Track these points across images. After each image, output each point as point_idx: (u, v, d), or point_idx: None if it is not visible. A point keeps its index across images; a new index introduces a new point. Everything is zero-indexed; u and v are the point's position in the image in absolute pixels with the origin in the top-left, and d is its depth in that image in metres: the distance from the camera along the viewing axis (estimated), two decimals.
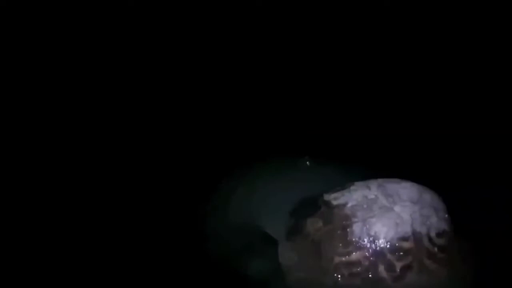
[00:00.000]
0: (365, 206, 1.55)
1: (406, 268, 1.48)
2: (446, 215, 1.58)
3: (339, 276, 1.50)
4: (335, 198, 1.61)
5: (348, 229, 1.52)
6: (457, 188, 1.90)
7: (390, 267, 1.47)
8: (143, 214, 1.86)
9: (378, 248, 1.47)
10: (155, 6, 2.59)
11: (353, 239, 1.50)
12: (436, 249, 1.51)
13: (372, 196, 1.57)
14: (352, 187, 1.64)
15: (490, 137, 2.26)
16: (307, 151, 2.15)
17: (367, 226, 1.50)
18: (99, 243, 1.77)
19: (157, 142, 2.21)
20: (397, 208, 1.55)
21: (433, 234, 1.52)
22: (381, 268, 1.47)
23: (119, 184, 1.99)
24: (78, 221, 1.84)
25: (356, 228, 1.51)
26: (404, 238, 1.49)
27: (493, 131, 2.31)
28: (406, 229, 1.49)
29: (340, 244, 1.51)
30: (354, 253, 1.49)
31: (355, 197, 1.58)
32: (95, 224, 1.83)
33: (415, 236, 1.50)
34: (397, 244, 1.48)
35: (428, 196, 1.61)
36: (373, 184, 1.63)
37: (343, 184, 1.67)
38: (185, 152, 2.19)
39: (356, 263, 1.48)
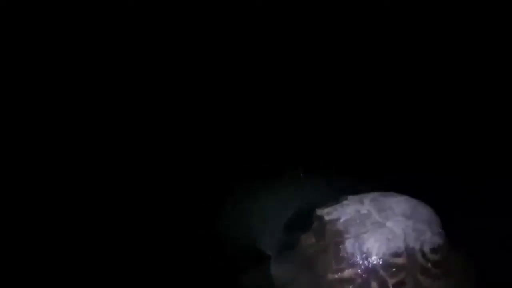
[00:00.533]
0: (357, 221, 1.53)
1: (399, 285, 1.46)
2: (441, 230, 1.57)
3: None
4: (328, 213, 1.59)
5: (340, 245, 1.51)
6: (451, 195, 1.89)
7: (383, 284, 1.45)
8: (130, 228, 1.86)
9: (370, 265, 1.46)
10: (155, 6, 2.58)
11: (346, 256, 1.48)
12: (430, 264, 1.50)
13: (365, 211, 1.56)
14: (345, 202, 1.62)
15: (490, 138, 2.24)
16: (302, 153, 2.13)
17: (360, 242, 1.49)
18: (99, 245, 1.77)
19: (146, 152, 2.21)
20: (389, 223, 1.53)
21: (427, 249, 1.51)
22: (374, 285, 1.46)
23: (109, 191, 1.99)
24: (83, 224, 1.85)
25: (349, 244, 1.50)
26: (396, 254, 1.47)
27: (488, 131, 2.29)
28: (399, 245, 1.48)
29: (333, 261, 1.50)
30: (346, 270, 1.48)
31: (347, 212, 1.57)
32: (96, 226, 1.84)
33: (408, 252, 1.49)
34: (390, 260, 1.47)
35: (422, 211, 1.59)
36: (366, 198, 1.62)
37: (338, 196, 1.66)
38: (180, 161, 2.19)
39: (349, 280, 1.47)
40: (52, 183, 2.11)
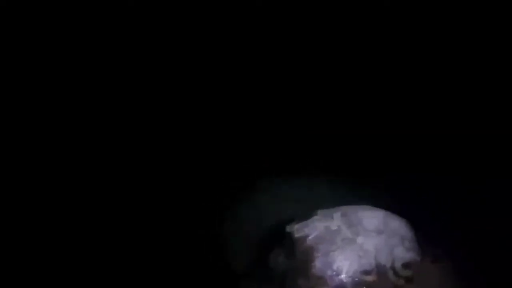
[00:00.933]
0: (327, 238, 1.50)
1: None
2: (413, 244, 1.54)
3: None
4: (298, 230, 1.56)
5: (311, 263, 1.47)
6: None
7: None
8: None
9: (340, 283, 1.42)
10: (155, 6, 2.56)
11: (316, 274, 1.44)
12: (401, 281, 1.46)
13: (335, 227, 1.52)
14: (315, 217, 1.59)
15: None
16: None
17: (330, 260, 1.45)
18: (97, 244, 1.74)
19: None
20: (360, 240, 1.50)
21: (398, 265, 1.48)
22: None
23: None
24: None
25: (318, 262, 1.46)
26: (367, 272, 1.44)
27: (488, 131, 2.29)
28: (370, 262, 1.45)
29: (303, 279, 1.46)
30: (316, 286, 1.44)
31: (317, 228, 1.53)
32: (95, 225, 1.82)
33: (379, 269, 1.45)
34: (360, 278, 1.43)
35: (395, 225, 1.57)
36: (337, 213, 1.59)
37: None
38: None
39: None
40: (54, 184, 2.09)
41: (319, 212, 1.61)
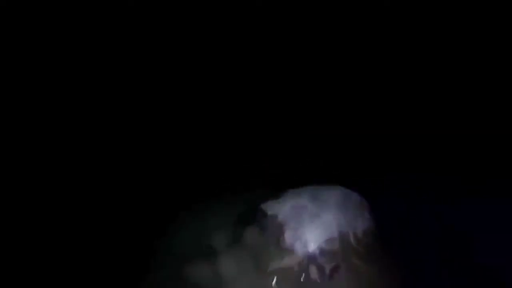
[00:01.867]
0: (296, 214, 1.68)
1: (335, 268, 1.62)
2: (370, 216, 1.73)
3: (274, 280, 1.64)
4: (270, 208, 1.73)
5: (281, 237, 1.65)
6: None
7: (320, 269, 1.61)
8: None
9: (308, 253, 1.60)
10: (155, 6, 2.56)
11: (286, 246, 1.63)
12: (362, 248, 1.66)
13: (302, 204, 1.70)
14: (285, 196, 1.77)
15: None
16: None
17: (298, 233, 1.64)
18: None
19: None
20: (324, 214, 1.69)
21: (359, 234, 1.67)
22: (313, 271, 1.62)
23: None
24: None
25: (288, 236, 1.64)
26: (331, 241, 1.63)
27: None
28: (333, 233, 1.63)
29: (275, 252, 1.64)
30: (287, 259, 1.62)
31: (287, 206, 1.71)
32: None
33: (342, 238, 1.64)
34: (326, 248, 1.62)
35: (354, 199, 1.76)
36: (305, 192, 1.77)
37: None
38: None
39: (290, 268, 1.62)
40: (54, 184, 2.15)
41: (290, 191, 1.79)
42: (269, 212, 1.72)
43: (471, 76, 2.51)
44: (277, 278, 1.65)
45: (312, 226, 1.64)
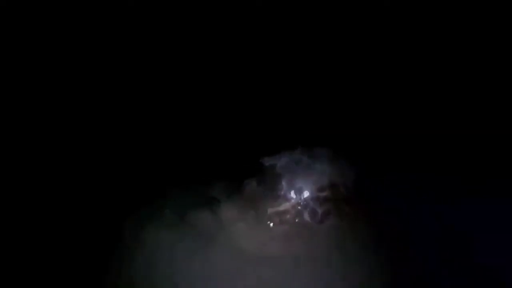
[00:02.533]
0: (291, 165, 1.85)
1: (327, 213, 1.79)
2: (359, 169, 1.90)
3: (271, 224, 1.81)
4: (267, 161, 1.90)
5: (278, 185, 1.82)
6: None
7: (313, 213, 1.78)
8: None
9: (302, 199, 1.78)
10: (155, 6, 2.36)
11: (282, 193, 1.80)
12: (352, 195, 1.83)
13: (298, 157, 1.88)
14: (283, 152, 1.94)
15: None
16: None
17: (293, 181, 1.81)
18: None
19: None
20: (317, 165, 1.86)
21: (349, 183, 1.84)
22: (306, 214, 1.79)
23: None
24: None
25: (284, 184, 1.81)
26: (323, 188, 1.80)
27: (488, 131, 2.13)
28: (325, 181, 1.80)
29: (272, 198, 1.81)
30: (283, 204, 1.79)
31: (283, 159, 1.88)
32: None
33: (333, 186, 1.82)
34: (318, 194, 1.80)
35: (343, 156, 1.92)
36: (301, 149, 1.93)
37: None
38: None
39: (285, 212, 1.79)
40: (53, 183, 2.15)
41: (287, 152, 1.96)
42: (267, 164, 1.88)
43: (471, 76, 2.37)
44: (274, 221, 1.83)
45: (306, 175, 1.81)
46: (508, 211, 1.90)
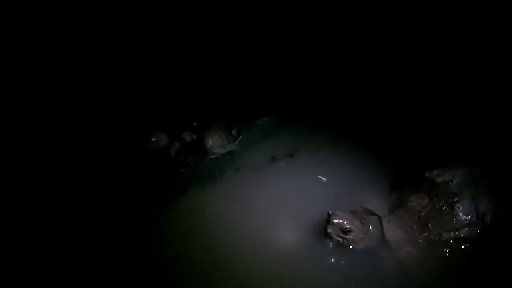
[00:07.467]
0: (471, 183, 1.59)
1: None
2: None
3: (447, 250, 1.57)
4: (438, 175, 1.65)
5: (455, 206, 1.57)
6: None
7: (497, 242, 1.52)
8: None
9: (486, 224, 1.52)
10: (155, 6, 2.54)
11: (461, 216, 1.55)
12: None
13: (477, 174, 1.61)
14: (454, 165, 1.68)
15: None
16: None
17: (476, 202, 1.55)
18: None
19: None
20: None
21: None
22: (489, 243, 1.53)
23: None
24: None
25: (464, 205, 1.56)
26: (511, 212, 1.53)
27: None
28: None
29: (448, 221, 1.57)
30: (463, 230, 1.55)
31: (459, 174, 1.62)
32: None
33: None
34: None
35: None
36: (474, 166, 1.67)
37: None
38: None
39: (466, 239, 1.54)
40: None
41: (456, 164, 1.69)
42: (439, 179, 1.64)
43: (471, 76, 2.40)
44: (451, 248, 1.58)
45: (491, 196, 1.54)
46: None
